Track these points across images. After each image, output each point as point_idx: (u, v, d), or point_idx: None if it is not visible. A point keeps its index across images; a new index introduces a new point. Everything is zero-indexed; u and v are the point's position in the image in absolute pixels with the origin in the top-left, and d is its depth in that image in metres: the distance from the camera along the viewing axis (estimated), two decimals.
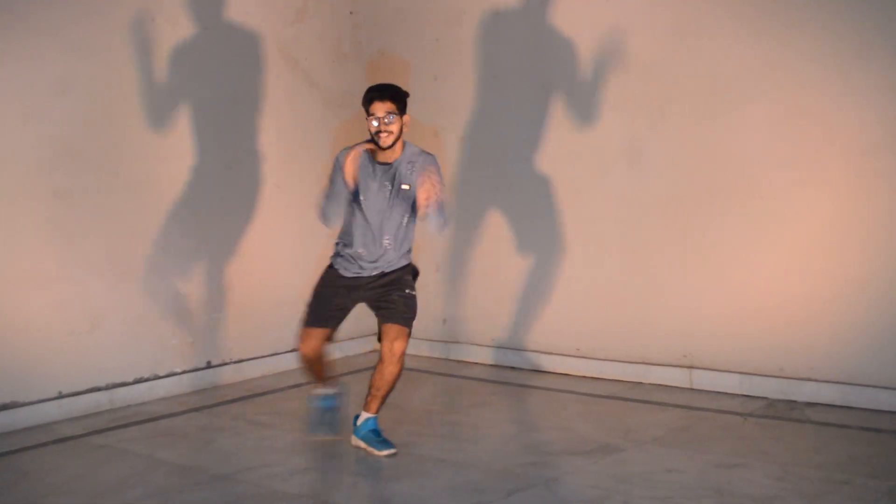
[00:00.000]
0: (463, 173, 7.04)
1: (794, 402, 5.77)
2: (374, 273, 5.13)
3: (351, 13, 7.44)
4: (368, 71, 7.46)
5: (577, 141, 6.53)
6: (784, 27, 5.71)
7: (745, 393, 5.96)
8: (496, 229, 6.93)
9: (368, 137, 5.04)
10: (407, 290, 5.16)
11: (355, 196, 5.08)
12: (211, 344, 6.62)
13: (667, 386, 6.24)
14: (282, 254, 6.99)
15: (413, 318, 5.17)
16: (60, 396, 5.86)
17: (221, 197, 6.62)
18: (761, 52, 5.79)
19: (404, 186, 5.06)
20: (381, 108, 4.96)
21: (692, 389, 6.14)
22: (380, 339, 5.13)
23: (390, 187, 5.06)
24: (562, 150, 6.61)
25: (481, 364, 7.03)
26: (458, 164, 7.06)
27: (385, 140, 4.98)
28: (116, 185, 6.08)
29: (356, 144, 5.04)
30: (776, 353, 5.86)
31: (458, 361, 7.18)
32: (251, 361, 6.83)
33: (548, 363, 6.78)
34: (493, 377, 6.71)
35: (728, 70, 5.92)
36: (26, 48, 5.66)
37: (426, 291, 7.29)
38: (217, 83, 6.60)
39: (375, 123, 4.96)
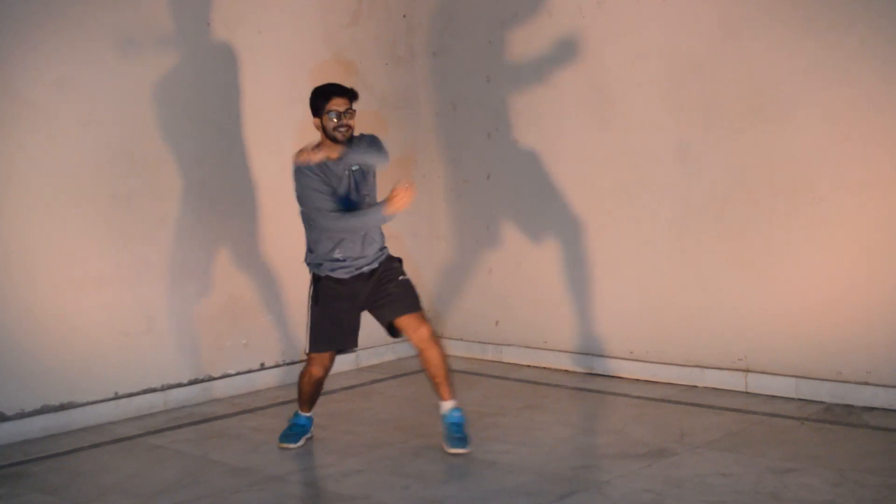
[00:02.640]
0: (515, 175, 7.03)
1: (852, 406, 5.69)
2: (373, 265, 5.15)
3: (405, 16, 7.45)
4: (422, 73, 7.47)
5: (629, 142, 6.48)
6: (833, 28, 5.63)
7: (801, 397, 5.88)
8: (548, 232, 6.90)
9: (314, 143, 5.12)
10: (400, 278, 5.21)
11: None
12: (264, 346, 6.66)
13: (722, 389, 6.17)
14: None
15: (418, 299, 5.22)
16: (116, 397, 5.94)
17: (276, 199, 6.65)
18: (810, 53, 5.72)
19: (354, 168, 5.09)
20: (341, 103, 5.02)
21: (747, 393, 6.08)
22: (392, 334, 5.22)
23: (351, 178, 5.09)
24: (612, 152, 6.57)
25: (533, 366, 7.01)
26: (510, 166, 7.05)
27: (345, 134, 5.04)
28: (172, 187, 6.15)
29: (302, 155, 5.10)
30: (833, 356, 5.77)
31: (510, 364, 7.16)
32: (303, 363, 6.83)
33: (600, 366, 6.74)
34: (546, 380, 6.69)
35: (778, 70, 5.84)
36: (85, 53, 5.75)
37: (479, 294, 7.32)
38: (272, 86, 6.64)
39: (335, 119, 5.01)
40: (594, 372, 6.76)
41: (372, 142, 5.18)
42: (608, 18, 6.52)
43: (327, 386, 6.62)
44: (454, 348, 7.28)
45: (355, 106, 5.09)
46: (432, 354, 5.14)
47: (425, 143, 7.51)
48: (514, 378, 6.78)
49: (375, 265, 5.18)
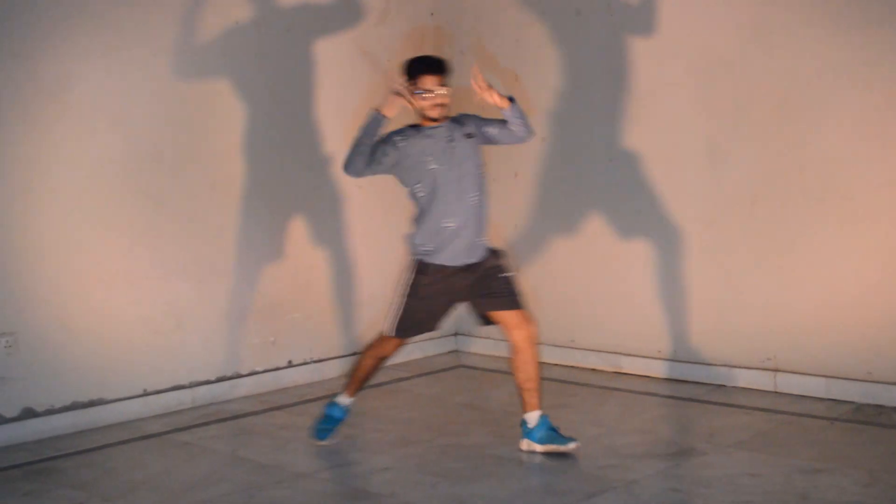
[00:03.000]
0: (543, 174, 7.02)
1: (882, 406, 5.64)
2: (478, 258, 4.97)
3: (432, 14, 7.46)
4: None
5: (657, 140, 6.46)
6: (865, 24, 5.59)
7: (831, 397, 5.84)
8: (575, 230, 6.89)
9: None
10: (506, 273, 5.04)
11: (419, 173, 4.92)
12: (292, 343, 6.68)
13: (750, 389, 6.14)
14: (361, 254, 7.03)
15: (522, 296, 5.07)
16: (145, 394, 5.97)
17: (303, 198, 6.68)
18: (839, 53, 5.68)
19: (468, 134, 4.96)
20: (432, 80, 4.87)
21: (776, 393, 6.04)
22: (484, 323, 5.09)
23: (456, 139, 4.95)
24: (641, 150, 6.55)
25: (561, 365, 7.00)
26: (538, 165, 7.03)
27: (440, 112, 4.90)
28: (201, 186, 6.17)
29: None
30: (863, 356, 5.73)
31: (539, 362, 7.14)
32: (330, 361, 6.88)
33: (628, 365, 6.72)
34: (573, 378, 6.68)
35: (807, 70, 5.80)
36: (118, 53, 5.78)
37: None
38: (300, 85, 6.65)
39: (428, 96, 4.86)
40: (622, 371, 6.75)
41: (474, 117, 5.04)
42: (637, 16, 6.49)
43: None
44: (481, 347, 7.28)
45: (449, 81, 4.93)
46: (529, 357, 5.01)
47: None
48: (541, 376, 6.76)
49: (477, 259, 4.98)
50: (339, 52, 6.86)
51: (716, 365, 6.32)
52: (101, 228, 5.76)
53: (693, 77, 6.27)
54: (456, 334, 7.57)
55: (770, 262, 6.05)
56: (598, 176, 6.77)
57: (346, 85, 6.91)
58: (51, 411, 5.59)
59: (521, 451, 5.11)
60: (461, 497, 4.53)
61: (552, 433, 5.06)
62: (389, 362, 5.47)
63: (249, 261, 6.42)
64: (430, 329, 5.17)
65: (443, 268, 4.96)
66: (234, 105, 6.32)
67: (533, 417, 5.10)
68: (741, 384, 6.20)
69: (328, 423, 5.33)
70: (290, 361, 6.67)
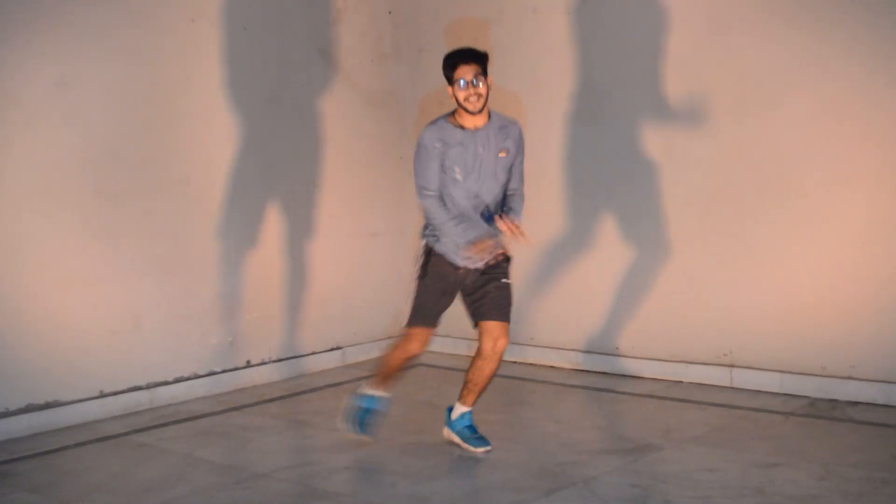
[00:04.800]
0: None
1: (836, 401, 5.72)
2: (486, 263, 4.98)
3: (390, 13, 7.45)
4: (408, 69, 7.48)
5: (615, 139, 6.51)
6: (819, 22, 5.66)
7: (786, 392, 5.92)
8: (530, 228, 6.85)
9: (449, 111, 4.91)
10: (504, 280, 5.06)
11: (444, 181, 4.88)
12: (250, 343, 6.66)
13: (707, 385, 6.20)
14: (321, 252, 7.02)
15: (511, 308, 5.09)
16: (102, 395, 5.93)
17: (261, 197, 6.66)
18: (796, 48, 5.75)
19: (501, 154, 4.92)
20: (468, 71, 4.77)
21: (733, 388, 6.10)
22: (475, 326, 5.07)
23: (484, 153, 4.88)
24: (599, 149, 6.59)
25: (520, 363, 7.03)
26: None
27: (476, 104, 4.79)
28: (157, 185, 6.14)
29: (430, 128, 4.89)
30: (817, 351, 5.81)
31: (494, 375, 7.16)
32: (290, 360, 6.87)
33: (586, 362, 6.77)
34: (532, 376, 6.71)
35: (762, 66, 5.88)
36: (70, 51, 5.74)
37: None
38: (257, 84, 6.64)
39: (463, 88, 4.78)
40: (580, 368, 6.79)
41: (519, 140, 5.00)
42: (593, 15, 6.54)
43: (313, 383, 6.67)
44: (439, 345, 7.29)
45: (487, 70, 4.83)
46: (491, 368, 5.05)
47: (411, 140, 7.50)
48: (500, 374, 6.73)
49: (487, 265, 5.00)
50: (296, 50, 6.85)
51: (672, 361, 6.38)
52: (56, 228, 5.71)
53: (649, 76, 6.31)
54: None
55: (726, 259, 6.11)
56: (556, 174, 6.80)
57: (304, 84, 6.90)
58: (5, 414, 5.54)
59: (444, 438, 5.23)
60: (421, 495, 4.54)
61: (470, 431, 5.13)
62: (417, 360, 5.37)
63: (207, 261, 6.39)
64: (446, 306, 5.08)
65: (450, 262, 4.97)
66: (191, 104, 6.29)
67: (459, 410, 5.17)
68: (698, 380, 6.26)
69: (367, 416, 5.22)
70: (248, 361, 6.65)
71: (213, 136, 6.40)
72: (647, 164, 6.39)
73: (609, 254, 6.61)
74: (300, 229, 6.90)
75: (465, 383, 5.13)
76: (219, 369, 6.49)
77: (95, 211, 5.87)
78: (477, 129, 4.87)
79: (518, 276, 7.05)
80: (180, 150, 6.25)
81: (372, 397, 5.25)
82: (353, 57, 7.22)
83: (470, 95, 4.78)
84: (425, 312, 5.03)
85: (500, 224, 4.93)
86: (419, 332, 5.06)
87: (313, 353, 7.01)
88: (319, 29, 6.99)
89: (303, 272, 6.93)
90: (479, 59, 4.82)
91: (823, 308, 5.77)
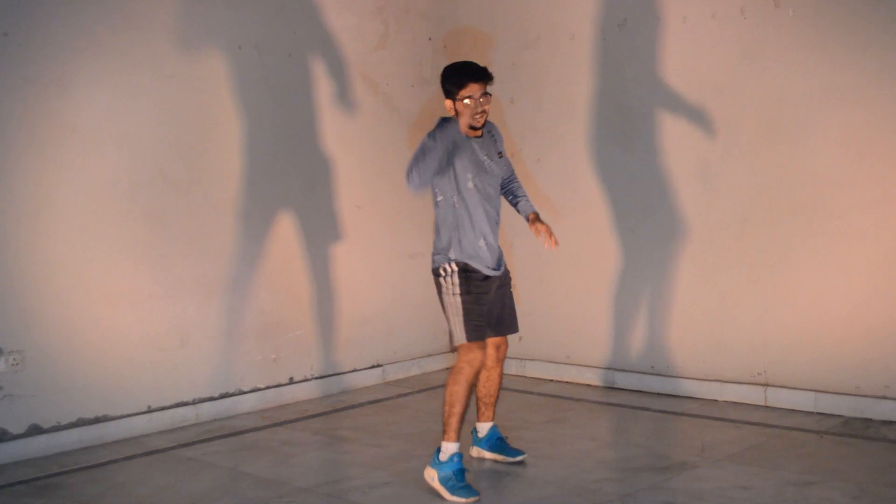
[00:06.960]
0: (538, 194, 7.12)
1: (870, 420, 5.74)
2: (501, 270, 5.01)
3: (430, 39, 7.57)
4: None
5: (650, 162, 6.58)
6: (848, 49, 5.73)
7: (820, 411, 5.95)
8: (570, 249, 6.98)
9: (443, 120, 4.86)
10: (511, 293, 5.16)
11: (457, 180, 4.85)
12: (293, 360, 6.77)
13: (741, 403, 6.24)
14: (362, 272, 7.14)
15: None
16: (149, 410, 6.05)
17: (305, 218, 6.78)
18: (827, 74, 5.81)
19: (499, 157, 5.02)
20: (476, 89, 4.77)
21: (767, 407, 6.14)
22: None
23: (488, 159, 4.94)
24: (634, 171, 6.67)
25: (556, 381, 7.09)
26: (533, 185, 7.14)
27: (481, 121, 4.83)
28: (204, 207, 6.27)
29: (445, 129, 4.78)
30: (852, 370, 5.84)
31: (533, 378, 7.25)
32: (331, 377, 6.97)
33: (622, 380, 6.83)
34: (568, 394, 6.77)
35: (796, 91, 5.94)
36: (123, 79, 5.89)
37: None
38: (301, 108, 6.77)
39: (471, 104, 4.76)
40: (616, 386, 6.84)
41: (501, 137, 5.13)
42: (629, 41, 6.63)
43: (354, 400, 6.75)
44: None
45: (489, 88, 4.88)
46: (498, 373, 5.16)
47: None
48: (537, 392, 6.86)
49: (502, 271, 5.03)
50: (339, 76, 6.98)
51: (707, 380, 6.42)
52: (106, 248, 5.85)
53: (685, 100, 6.39)
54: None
55: (761, 279, 6.16)
56: (591, 196, 6.88)
57: (347, 109, 7.03)
58: (57, 428, 5.68)
59: (472, 457, 5.32)
60: None
61: (501, 443, 5.25)
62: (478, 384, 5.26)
63: (251, 280, 6.51)
64: (496, 322, 5.03)
65: (477, 271, 4.92)
66: (237, 128, 6.42)
67: (484, 428, 5.28)
68: (732, 399, 6.30)
69: (460, 479, 4.78)
70: (291, 378, 6.76)
71: (258, 159, 6.52)
72: (682, 187, 6.45)
73: (644, 273, 6.67)
74: (342, 249, 7.01)
75: (479, 400, 5.23)
76: (262, 385, 6.60)
77: (143, 231, 6.00)
78: (477, 138, 4.95)
79: (555, 297, 7.16)
80: (226, 173, 6.38)
81: (450, 459, 4.83)
82: (394, 82, 7.34)
83: (477, 113, 4.79)
84: (478, 324, 4.88)
85: (534, 230, 5.01)
86: (477, 346, 4.87)
87: (354, 371, 7.11)
88: (362, 55, 7.11)
89: (345, 291, 7.04)
90: (487, 77, 4.82)
91: (857, 328, 5.80)
